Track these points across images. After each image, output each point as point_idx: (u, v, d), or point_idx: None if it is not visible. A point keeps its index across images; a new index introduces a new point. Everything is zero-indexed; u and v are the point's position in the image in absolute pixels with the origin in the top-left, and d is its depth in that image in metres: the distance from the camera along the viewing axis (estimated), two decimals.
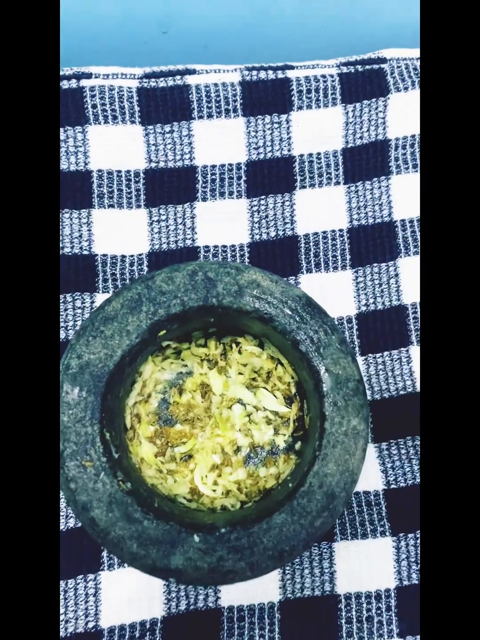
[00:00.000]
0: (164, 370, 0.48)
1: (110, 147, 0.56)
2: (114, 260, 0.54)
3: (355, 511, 0.52)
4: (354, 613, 0.50)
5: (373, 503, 0.53)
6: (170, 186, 0.55)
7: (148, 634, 0.49)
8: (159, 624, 0.49)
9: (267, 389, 0.48)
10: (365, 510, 0.52)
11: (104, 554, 0.50)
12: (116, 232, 0.55)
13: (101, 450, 0.37)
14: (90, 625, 0.48)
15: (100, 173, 0.56)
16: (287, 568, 0.52)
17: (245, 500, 0.44)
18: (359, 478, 0.38)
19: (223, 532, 0.36)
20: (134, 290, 0.39)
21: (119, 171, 0.55)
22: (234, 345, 0.47)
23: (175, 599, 0.50)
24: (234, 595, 0.51)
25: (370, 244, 0.56)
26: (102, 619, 0.49)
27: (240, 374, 0.48)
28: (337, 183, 0.57)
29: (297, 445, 0.46)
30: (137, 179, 0.56)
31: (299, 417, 0.47)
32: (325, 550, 0.51)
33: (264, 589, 0.50)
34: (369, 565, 0.51)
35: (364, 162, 0.58)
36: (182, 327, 0.42)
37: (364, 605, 0.50)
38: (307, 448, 0.42)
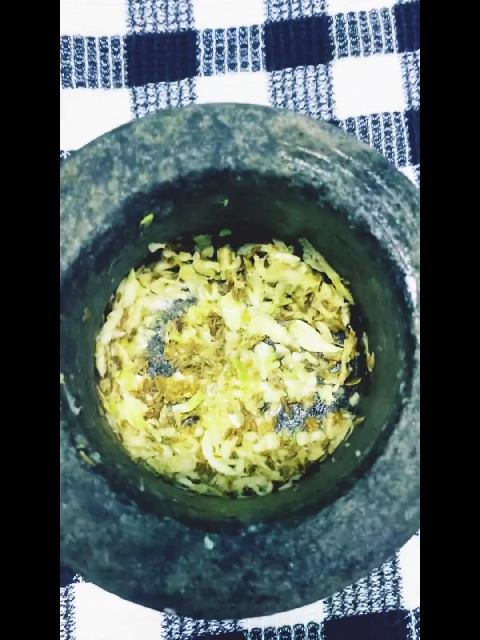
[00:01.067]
0: (154, 296, 0.33)
1: (79, 5, 0.42)
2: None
3: None
4: None
5: None
6: (161, 57, 0.41)
7: None
8: None
9: (305, 321, 0.32)
10: None
11: None
12: (87, 120, 0.41)
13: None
14: None
15: (66, 41, 0.41)
16: None
17: (280, 480, 0.29)
18: None
19: (253, 531, 0.22)
20: (98, 145, 0.24)
21: (92, 38, 0.41)
22: (256, 258, 0.32)
23: (179, 619, 0.36)
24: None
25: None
26: None
27: (266, 300, 0.33)
28: (390, 50, 0.42)
29: (354, 400, 0.31)
30: (117, 49, 0.41)
31: (354, 359, 0.32)
32: None
33: None
34: None
35: None
36: (181, 216, 0.27)
37: None
38: (375, 401, 0.27)
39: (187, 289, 0.33)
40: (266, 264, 0.32)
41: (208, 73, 0.41)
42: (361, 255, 0.25)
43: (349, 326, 0.32)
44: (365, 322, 0.30)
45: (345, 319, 0.32)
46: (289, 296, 0.33)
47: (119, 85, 0.41)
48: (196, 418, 0.32)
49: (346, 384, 0.32)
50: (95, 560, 0.22)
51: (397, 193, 0.24)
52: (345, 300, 0.32)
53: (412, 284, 0.24)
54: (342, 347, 0.32)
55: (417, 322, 0.23)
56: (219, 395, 0.32)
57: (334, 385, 0.32)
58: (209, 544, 0.22)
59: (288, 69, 0.41)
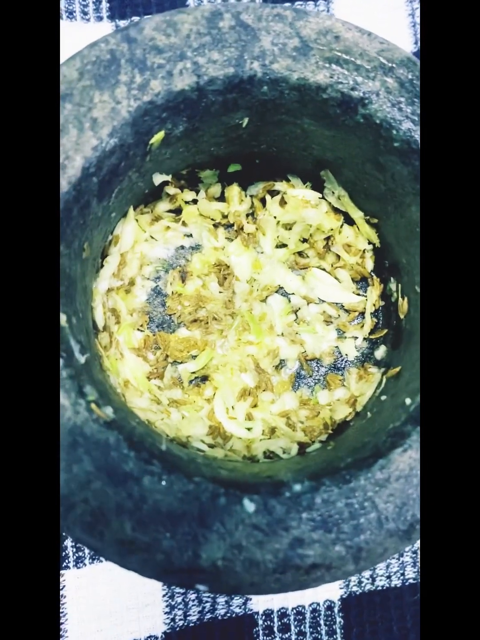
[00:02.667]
0: (154, 242, 0.29)
1: None
2: None
3: None
4: None
5: None
6: None
7: None
8: None
9: (324, 269, 0.29)
10: None
11: (68, 540, 0.33)
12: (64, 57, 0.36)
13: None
14: None
15: None
16: None
17: (305, 442, 0.26)
18: None
19: (298, 490, 0.19)
20: (101, 46, 0.20)
21: None
22: (269, 198, 0.29)
23: (182, 605, 0.34)
24: (273, 594, 0.33)
25: None
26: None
27: (280, 246, 0.30)
28: None
29: (380, 353, 0.28)
30: None
31: (379, 309, 0.29)
32: None
33: None
34: None
35: None
36: (192, 139, 0.23)
37: None
38: (412, 348, 0.24)
39: (191, 235, 0.30)
40: (282, 203, 0.28)
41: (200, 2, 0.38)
42: (403, 178, 0.22)
43: (373, 273, 0.29)
44: (394, 266, 0.27)
45: (369, 265, 0.29)
46: (305, 241, 0.30)
47: (99, 19, 0.37)
48: (205, 378, 0.29)
49: (371, 337, 0.29)
50: (114, 531, 0.18)
51: None
52: (370, 243, 0.29)
53: None
54: (365, 296, 0.29)
55: None
56: (230, 353, 0.29)
57: (356, 338, 0.29)
58: (249, 506, 0.18)
59: (286, 4, 0.38)
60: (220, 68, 0.21)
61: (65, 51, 0.36)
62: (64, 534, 0.31)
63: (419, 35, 0.39)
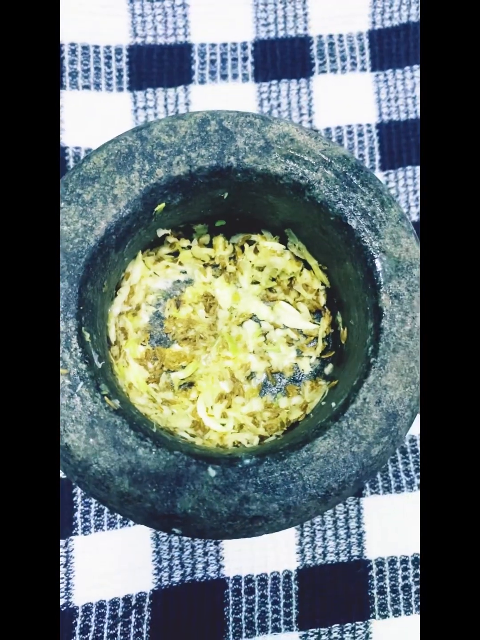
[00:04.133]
0: (157, 277, 0.37)
1: (86, 16, 0.46)
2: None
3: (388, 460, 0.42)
4: (387, 582, 0.41)
5: (408, 451, 0.43)
6: (160, 65, 0.46)
7: (134, 611, 0.39)
8: (147, 600, 0.40)
9: (288, 302, 0.38)
10: (399, 459, 0.43)
11: (77, 513, 0.40)
12: (92, 119, 0.45)
13: (79, 355, 0.27)
14: (61, 602, 0.38)
15: (74, 47, 0.45)
16: (306, 530, 0.42)
17: (264, 435, 0.34)
18: None
19: (247, 463, 0.27)
20: (122, 142, 0.29)
21: (97, 46, 0.45)
22: (246, 246, 0.37)
23: (168, 568, 0.40)
24: (241, 563, 0.41)
25: (402, 143, 0.47)
26: (75, 595, 0.39)
27: (254, 283, 0.38)
28: (363, 69, 0.47)
29: (328, 369, 0.36)
30: (120, 56, 0.45)
31: (329, 335, 0.37)
32: (351, 507, 0.42)
33: (277, 555, 0.41)
34: (404, 524, 0.41)
35: (394, 47, 0.48)
36: (186, 206, 0.31)
37: (399, 572, 0.41)
38: (347, 366, 0.32)
39: (185, 272, 0.38)
40: (256, 251, 0.37)
41: (202, 82, 0.46)
42: (339, 242, 0.31)
43: (325, 307, 0.37)
44: (339, 303, 0.36)
45: (322, 300, 0.37)
46: (274, 279, 0.38)
47: (120, 90, 0.46)
48: (191, 384, 0.37)
49: (322, 357, 0.37)
50: (116, 485, 0.26)
51: (370, 191, 0.30)
52: (322, 284, 0.37)
53: (379, 265, 0.29)
54: (319, 324, 0.37)
55: (383, 296, 0.29)
56: (212, 365, 0.37)
57: (311, 357, 0.37)
58: (211, 472, 0.26)
59: (274, 82, 0.46)
60: (207, 160, 0.29)
61: (92, 116, 0.45)
62: (80, 493, 0.38)
63: (382, 109, 0.47)
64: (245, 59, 0.47)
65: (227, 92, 0.46)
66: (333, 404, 0.29)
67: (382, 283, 0.29)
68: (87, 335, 0.28)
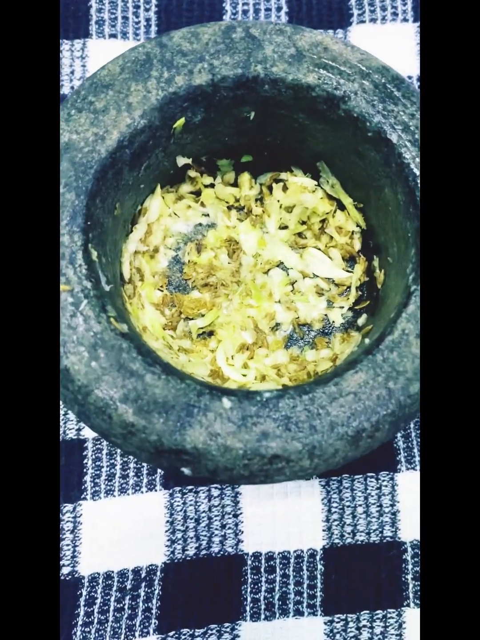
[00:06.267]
0: (177, 218, 0.35)
1: None
2: None
3: None
4: None
5: None
6: (189, 15, 0.44)
7: (143, 584, 0.37)
8: (158, 573, 0.36)
9: (319, 249, 0.34)
10: None
11: (88, 477, 0.37)
12: None
13: (84, 272, 0.24)
14: (65, 571, 0.36)
15: None
16: (334, 505, 0.38)
17: (289, 386, 0.31)
18: None
19: (267, 396, 0.23)
20: (140, 49, 0.26)
21: None
22: (274, 185, 0.34)
23: (182, 540, 0.37)
24: (262, 538, 0.38)
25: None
26: (82, 563, 0.37)
27: (282, 228, 0.35)
28: (405, 20, 0.45)
29: (362, 320, 0.33)
30: (148, 5, 0.44)
31: (364, 283, 0.34)
32: (385, 482, 0.38)
33: (301, 531, 0.37)
34: None
35: None
36: (209, 128, 0.29)
37: None
38: (381, 317, 0.28)
39: (208, 215, 0.35)
40: (284, 189, 0.34)
41: None
42: (377, 164, 0.27)
43: (360, 252, 0.34)
44: (376, 247, 0.32)
45: (357, 245, 0.34)
46: (303, 223, 0.35)
47: (149, 39, 0.44)
48: (211, 333, 0.34)
49: (355, 307, 0.34)
50: (120, 414, 0.23)
51: (412, 104, 0.26)
52: (358, 226, 0.34)
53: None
54: (353, 272, 0.34)
55: None
56: (233, 313, 0.34)
57: (343, 307, 0.34)
58: (226, 403, 0.23)
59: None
60: (231, 69, 0.27)
61: None
62: (91, 455, 0.36)
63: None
64: (279, 8, 0.44)
65: None
66: (366, 341, 0.26)
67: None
68: (94, 254, 0.25)
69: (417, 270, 0.25)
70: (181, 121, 0.28)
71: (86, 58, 0.43)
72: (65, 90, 0.42)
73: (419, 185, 0.26)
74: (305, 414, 0.23)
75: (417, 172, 0.26)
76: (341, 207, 0.34)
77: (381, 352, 0.24)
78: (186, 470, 0.24)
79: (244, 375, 0.32)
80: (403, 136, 0.26)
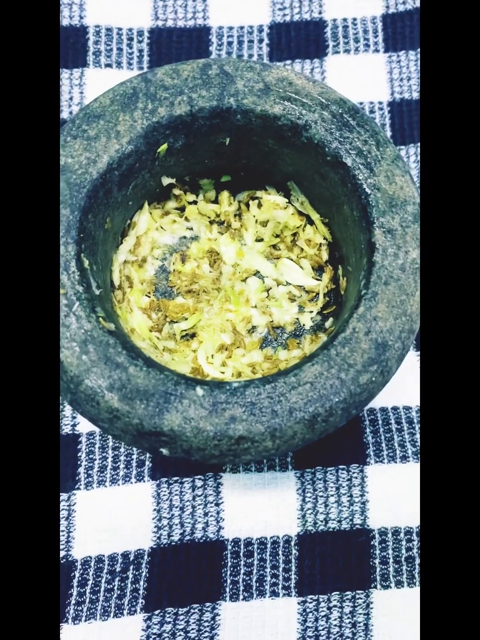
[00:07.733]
0: (163, 231, 0.38)
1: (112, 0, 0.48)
2: None
3: (394, 429, 0.42)
4: (390, 552, 0.40)
5: (414, 420, 0.43)
6: (178, 47, 0.48)
7: (131, 567, 0.39)
8: (145, 557, 0.39)
9: (291, 259, 0.38)
10: (405, 428, 0.42)
11: (81, 468, 0.40)
12: None
13: (77, 277, 0.28)
14: (60, 554, 0.38)
15: (97, 29, 0.48)
16: (308, 495, 0.41)
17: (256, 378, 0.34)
18: (418, 328, 0.28)
19: (235, 386, 0.27)
20: (127, 84, 0.30)
21: (120, 28, 0.48)
22: (251, 202, 0.38)
23: (167, 526, 0.40)
24: (241, 525, 0.41)
25: (414, 120, 0.47)
26: (75, 548, 0.39)
27: (258, 240, 0.39)
28: (376, 51, 0.48)
29: (328, 323, 0.37)
30: (141, 37, 0.48)
31: (330, 290, 0.37)
32: (355, 474, 0.41)
33: (277, 519, 0.40)
34: (409, 494, 0.41)
35: (407, 30, 0.49)
36: (189, 152, 0.33)
37: (403, 543, 0.40)
38: (343, 318, 0.32)
39: (191, 228, 0.39)
40: (259, 205, 0.38)
41: None
42: (336, 183, 0.31)
43: (327, 262, 0.38)
44: (340, 258, 0.36)
45: (325, 256, 0.38)
46: (277, 236, 0.39)
47: (141, 68, 0.48)
48: (193, 335, 0.38)
49: (323, 311, 0.38)
50: (106, 401, 0.27)
51: (365, 131, 0.30)
52: (325, 239, 0.37)
53: (373, 201, 0.29)
54: (321, 280, 0.38)
55: (376, 231, 0.29)
56: (214, 317, 0.37)
57: (312, 312, 0.38)
58: (199, 391, 0.27)
59: (288, 62, 0.48)
60: (207, 101, 0.31)
61: None
62: (85, 448, 0.39)
63: (394, 88, 0.48)
64: (260, 40, 0.48)
65: None
66: (324, 338, 0.29)
67: (375, 219, 0.29)
68: (86, 262, 0.29)
69: (368, 277, 0.29)
70: (164, 146, 0.32)
71: (84, 86, 0.47)
72: (64, 114, 0.46)
73: (370, 203, 0.29)
74: (268, 401, 0.27)
75: (369, 191, 0.29)
76: (310, 222, 0.37)
77: (335, 348, 0.28)
78: (164, 451, 0.27)
79: (222, 373, 0.36)
80: (357, 160, 0.30)
